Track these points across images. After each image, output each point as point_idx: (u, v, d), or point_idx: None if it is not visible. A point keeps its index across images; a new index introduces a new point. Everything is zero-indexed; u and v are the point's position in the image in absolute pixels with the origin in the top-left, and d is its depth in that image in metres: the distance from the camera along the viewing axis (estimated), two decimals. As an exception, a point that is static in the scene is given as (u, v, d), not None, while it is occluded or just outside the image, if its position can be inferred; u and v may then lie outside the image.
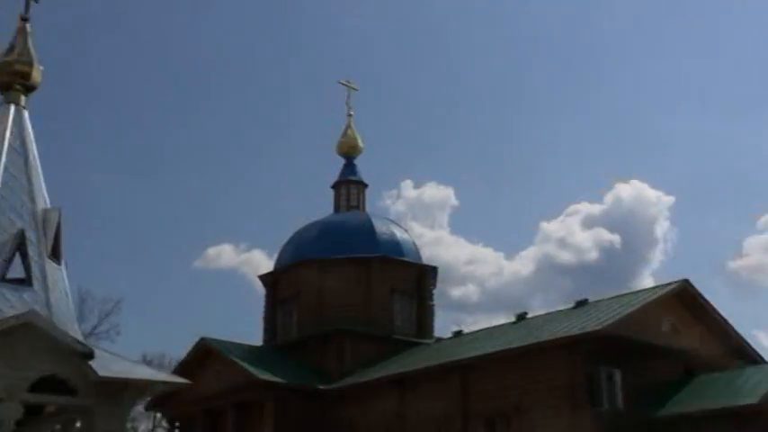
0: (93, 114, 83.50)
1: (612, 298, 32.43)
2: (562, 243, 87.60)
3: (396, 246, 41.18)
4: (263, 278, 42.95)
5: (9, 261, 15.72)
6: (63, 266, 17.03)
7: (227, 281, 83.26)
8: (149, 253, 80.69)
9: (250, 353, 37.61)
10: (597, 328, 27.62)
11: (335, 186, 45.30)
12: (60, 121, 71.48)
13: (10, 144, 17.17)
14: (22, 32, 18.22)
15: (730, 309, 47.74)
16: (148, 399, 38.13)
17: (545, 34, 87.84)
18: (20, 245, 15.93)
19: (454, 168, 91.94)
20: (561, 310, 33.40)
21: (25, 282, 15.77)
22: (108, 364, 15.43)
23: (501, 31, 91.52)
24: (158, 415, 48.26)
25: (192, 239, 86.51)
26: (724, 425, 24.92)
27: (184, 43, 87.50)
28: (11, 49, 18.10)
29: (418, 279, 40.98)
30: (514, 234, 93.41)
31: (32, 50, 18.18)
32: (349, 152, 45.56)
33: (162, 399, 37.34)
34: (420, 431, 31.08)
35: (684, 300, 30.74)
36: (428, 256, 47.78)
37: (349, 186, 45.08)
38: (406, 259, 40.93)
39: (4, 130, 17.30)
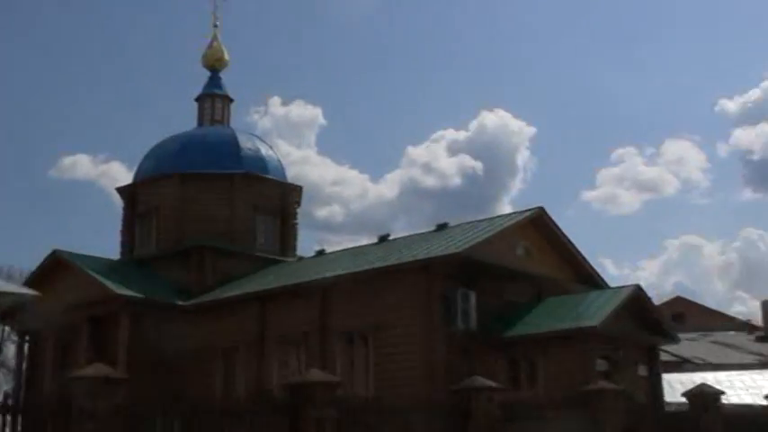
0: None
1: (471, 222, 33.37)
2: (427, 168, 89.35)
3: (261, 162, 40.67)
4: (120, 191, 41.60)
5: None
6: None
7: (84, 192, 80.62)
8: (-3, 158, 76.94)
9: (106, 267, 36.58)
10: (455, 250, 28.43)
11: (199, 99, 44.03)
12: None
13: None
14: None
15: (582, 237, 50.08)
16: (-4, 311, 36.71)
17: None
18: None
19: (323, 88, 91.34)
20: (422, 233, 34.08)
21: None
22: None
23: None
24: (7, 328, 46.78)
25: (47, 147, 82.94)
26: (568, 344, 26.58)
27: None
28: None
29: (282, 197, 40.70)
30: (381, 157, 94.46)
31: None
32: (215, 65, 44.28)
33: (11, 311, 35.93)
34: (280, 348, 31.39)
35: (539, 227, 32.00)
36: (294, 174, 47.63)
37: (214, 100, 43.91)
38: (270, 177, 40.52)
39: None
